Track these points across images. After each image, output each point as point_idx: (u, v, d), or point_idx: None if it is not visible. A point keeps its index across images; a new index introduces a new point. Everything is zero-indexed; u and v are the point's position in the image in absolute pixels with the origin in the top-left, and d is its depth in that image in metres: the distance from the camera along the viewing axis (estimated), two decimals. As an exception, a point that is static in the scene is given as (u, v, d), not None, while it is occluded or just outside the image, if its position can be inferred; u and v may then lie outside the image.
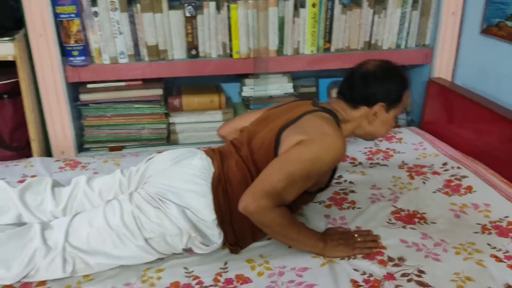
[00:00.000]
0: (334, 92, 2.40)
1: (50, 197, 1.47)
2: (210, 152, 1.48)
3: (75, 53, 2.00)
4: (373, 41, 2.24)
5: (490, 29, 2.00)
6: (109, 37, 2.02)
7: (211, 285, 1.26)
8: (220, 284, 1.27)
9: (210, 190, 1.37)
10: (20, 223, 1.43)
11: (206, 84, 2.41)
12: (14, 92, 1.99)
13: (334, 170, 1.52)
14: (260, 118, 1.54)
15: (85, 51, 2.02)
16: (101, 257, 1.30)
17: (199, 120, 2.31)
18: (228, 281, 1.28)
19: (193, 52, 2.12)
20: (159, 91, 2.23)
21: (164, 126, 2.27)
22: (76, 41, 1.98)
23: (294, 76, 2.38)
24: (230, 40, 2.11)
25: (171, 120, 2.29)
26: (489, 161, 1.85)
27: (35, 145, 2.04)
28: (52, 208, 1.45)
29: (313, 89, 2.40)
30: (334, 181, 1.74)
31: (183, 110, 2.29)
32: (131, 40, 2.06)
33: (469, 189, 1.70)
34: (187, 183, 1.37)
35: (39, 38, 1.94)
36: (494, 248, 1.38)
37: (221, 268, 1.33)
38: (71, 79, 2.05)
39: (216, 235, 1.37)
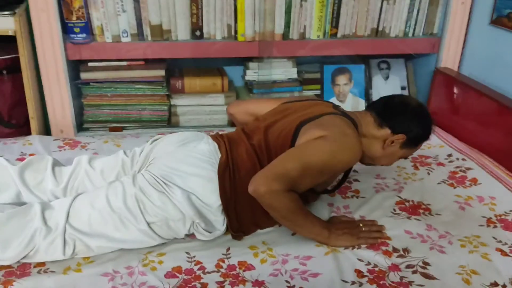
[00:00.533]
0: (339, 79, 2.37)
1: (50, 176, 1.44)
2: (216, 138, 1.45)
3: (77, 30, 1.95)
4: (380, 28, 2.20)
5: (500, 20, 1.97)
6: (112, 14, 1.97)
7: (213, 271, 1.24)
8: (222, 270, 1.25)
9: (216, 176, 1.34)
10: (19, 203, 1.41)
11: (209, 67, 2.37)
12: (14, 68, 1.94)
13: (344, 177, 1.51)
14: (277, 109, 1.51)
15: (87, 28, 1.97)
16: (102, 240, 1.27)
17: (200, 103, 2.28)
18: (231, 268, 1.26)
19: (197, 33, 2.08)
20: (161, 72, 2.19)
21: (165, 108, 2.23)
22: (78, 18, 1.93)
23: (299, 62, 2.34)
24: (236, 22, 2.07)
25: (173, 102, 2.25)
26: (494, 153, 1.84)
27: (33, 123, 2.00)
28: (53, 187, 1.42)
29: (317, 75, 2.36)
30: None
31: (185, 92, 2.26)
32: (134, 19, 2.01)
33: (474, 181, 1.68)
34: (193, 167, 1.34)
35: (41, 14, 1.89)
36: (500, 242, 1.37)
37: (223, 254, 1.31)
38: (71, 56, 2.00)
39: (219, 222, 1.35)
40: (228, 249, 1.32)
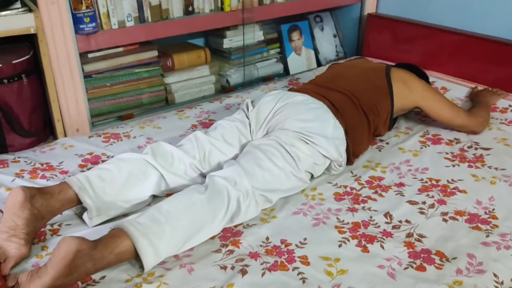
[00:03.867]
0: (293, 36, 2.72)
1: (182, 154, 1.50)
2: (313, 94, 1.70)
3: (87, 19, 1.87)
4: (322, -13, 2.62)
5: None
6: (117, -1, 1.94)
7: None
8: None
9: (334, 119, 1.60)
10: (159, 190, 1.46)
11: (186, 42, 2.46)
12: (31, 70, 1.76)
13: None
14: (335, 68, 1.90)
15: (95, 17, 1.90)
16: (278, 192, 1.45)
17: (189, 77, 2.38)
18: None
19: (190, 8, 2.18)
20: (154, 53, 2.22)
21: (162, 88, 2.28)
22: (87, 7, 1.85)
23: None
24: (223, -6, 2.23)
25: (166, 81, 2.30)
26: (440, 68, 2.46)
27: (59, 126, 1.86)
28: (192, 161, 1.50)
29: (275, 35, 2.67)
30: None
31: (175, 69, 2.32)
32: (136, 2, 2.00)
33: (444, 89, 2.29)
34: (320, 119, 1.57)
35: (51, 6, 1.76)
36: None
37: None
38: (82, 49, 1.91)
39: (343, 153, 1.62)
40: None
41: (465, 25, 2.38)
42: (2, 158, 1.69)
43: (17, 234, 1.23)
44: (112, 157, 1.72)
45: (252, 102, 1.69)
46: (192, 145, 1.55)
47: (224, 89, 2.49)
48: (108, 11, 1.94)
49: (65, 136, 1.97)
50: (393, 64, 2.01)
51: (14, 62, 1.70)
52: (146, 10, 2.05)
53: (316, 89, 1.74)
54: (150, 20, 2.07)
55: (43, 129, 1.89)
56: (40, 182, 1.55)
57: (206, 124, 1.97)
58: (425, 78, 1.98)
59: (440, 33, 2.44)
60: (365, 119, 1.70)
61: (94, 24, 1.90)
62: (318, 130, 1.55)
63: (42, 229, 1.33)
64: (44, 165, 1.66)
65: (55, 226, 1.36)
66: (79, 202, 1.36)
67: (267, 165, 1.44)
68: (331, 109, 1.63)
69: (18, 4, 1.71)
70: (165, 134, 1.89)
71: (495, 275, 1.19)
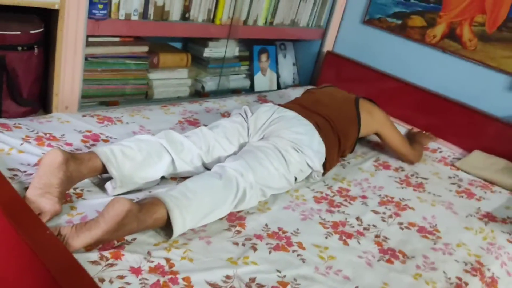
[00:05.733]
0: (262, 57, 3.00)
1: (191, 143, 1.68)
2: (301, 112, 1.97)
3: (101, 6, 1.97)
4: (296, 19, 2.94)
5: (371, 21, 3.00)
6: (130, -7, 2.06)
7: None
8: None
9: (318, 135, 1.88)
10: (167, 173, 1.62)
11: (167, 43, 2.61)
12: (42, 42, 1.82)
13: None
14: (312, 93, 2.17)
15: (107, 5, 2.01)
16: (272, 189, 1.68)
17: (169, 76, 2.53)
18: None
19: (187, 15, 2.35)
20: (145, 48, 2.35)
21: (145, 82, 2.40)
22: (104, -6, 1.96)
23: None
24: (216, 7, 2.44)
25: (150, 76, 2.43)
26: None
27: (56, 100, 1.92)
28: (200, 152, 1.69)
29: (247, 53, 2.93)
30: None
31: (159, 67, 2.47)
32: (143, -1, 2.15)
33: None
34: (308, 134, 1.84)
35: (73, -13, 1.84)
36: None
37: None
38: (90, 32, 2.00)
39: (320, 165, 1.90)
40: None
41: (405, 75, 2.83)
42: (3, 122, 1.73)
43: (51, 192, 1.32)
44: (110, 137, 1.84)
45: (250, 109, 1.92)
46: (199, 138, 1.73)
47: (199, 94, 2.67)
48: (119, 2, 2.05)
49: (51, 111, 2.02)
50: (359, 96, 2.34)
51: (31, 32, 1.76)
52: (151, 8, 2.19)
53: (301, 109, 2.00)
54: (152, 18, 2.21)
55: (38, 101, 1.92)
56: (47, 150, 1.62)
57: (191, 122, 2.15)
58: None
59: (383, 78, 2.87)
60: (337, 141, 2.00)
61: (105, 11, 2.01)
62: (307, 142, 1.82)
63: (67, 192, 1.42)
64: (48, 135, 1.73)
65: (78, 191, 1.46)
66: (102, 171, 1.48)
67: (266, 164, 1.67)
68: (316, 128, 1.91)
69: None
70: (155, 125, 2.03)
71: (444, 272, 1.53)
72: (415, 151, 2.31)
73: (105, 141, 1.80)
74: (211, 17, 2.46)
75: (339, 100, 2.17)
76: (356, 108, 2.13)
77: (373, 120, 2.16)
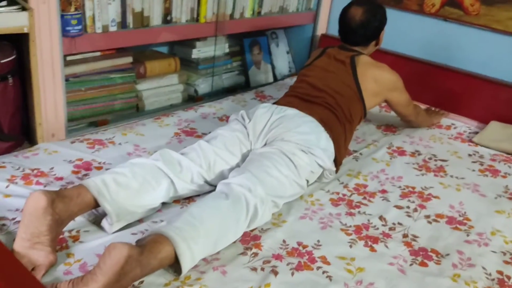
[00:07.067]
0: (254, 50, 2.83)
1: (190, 162, 1.54)
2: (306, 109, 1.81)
3: (74, 22, 1.82)
4: (284, 6, 2.77)
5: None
6: (104, 3, 1.90)
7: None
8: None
9: (324, 131, 1.73)
10: (168, 197, 1.48)
11: (153, 49, 2.45)
12: (16, 71, 1.67)
13: None
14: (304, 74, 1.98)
15: (81, 19, 1.85)
16: (283, 199, 1.55)
17: (159, 84, 2.38)
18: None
19: (169, 18, 2.20)
20: (129, 59, 2.20)
21: (134, 94, 2.26)
22: (76, 9, 1.80)
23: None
24: (199, 5, 2.28)
25: (138, 87, 2.28)
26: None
27: (40, 130, 1.78)
28: (200, 170, 1.54)
29: (238, 48, 2.76)
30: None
31: (146, 76, 2.32)
32: (120, 7, 1.98)
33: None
34: (315, 132, 1.70)
35: (41, 6, 1.69)
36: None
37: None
38: (67, 51, 1.85)
39: (331, 163, 1.76)
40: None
41: (406, 50, 2.67)
42: (-16, 163, 1.59)
43: (41, 241, 1.19)
44: (103, 163, 1.70)
45: (247, 114, 1.76)
46: (198, 154, 1.58)
47: (193, 99, 2.52)
48: (94, 15, 1.90)
49: (36, 142, 1.88)
50: (352, 48, 2.00)
51: (2, 61, 1.61)
52: (129, 16, 2.03)
53: (300, 102, 1.84)
54: (131, 26, 2.06)
55: (20, 134, 1.78)
56: (36, 188, 1.49)
57: (188, 132, 2.01)
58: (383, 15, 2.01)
59: (382, 55, 2.61)
60: (343, 131, 1.84)
61: (80, 27, 1.85)
62: (315, 142, 1.67)
63: (61, 236, 1.29)
64: (35, 171, 1.59)
65: (73, 233, 1.32)
66: (95, 206, 1.34)
67: (274, 173, 1.53)
68: (321, 123, 1.76)
69: (4, 3, 1.61)
70: (150, 142, 1.89)
71: (483, 267, 1.40)
72: (422, 116, 2.28)
73: (98, 168, 1.66)
74: (195, 16, 2.30)
75: (335, 77, 1.91)
76: (356, 80, 1.89)
77: (380, 88, 1.94)
